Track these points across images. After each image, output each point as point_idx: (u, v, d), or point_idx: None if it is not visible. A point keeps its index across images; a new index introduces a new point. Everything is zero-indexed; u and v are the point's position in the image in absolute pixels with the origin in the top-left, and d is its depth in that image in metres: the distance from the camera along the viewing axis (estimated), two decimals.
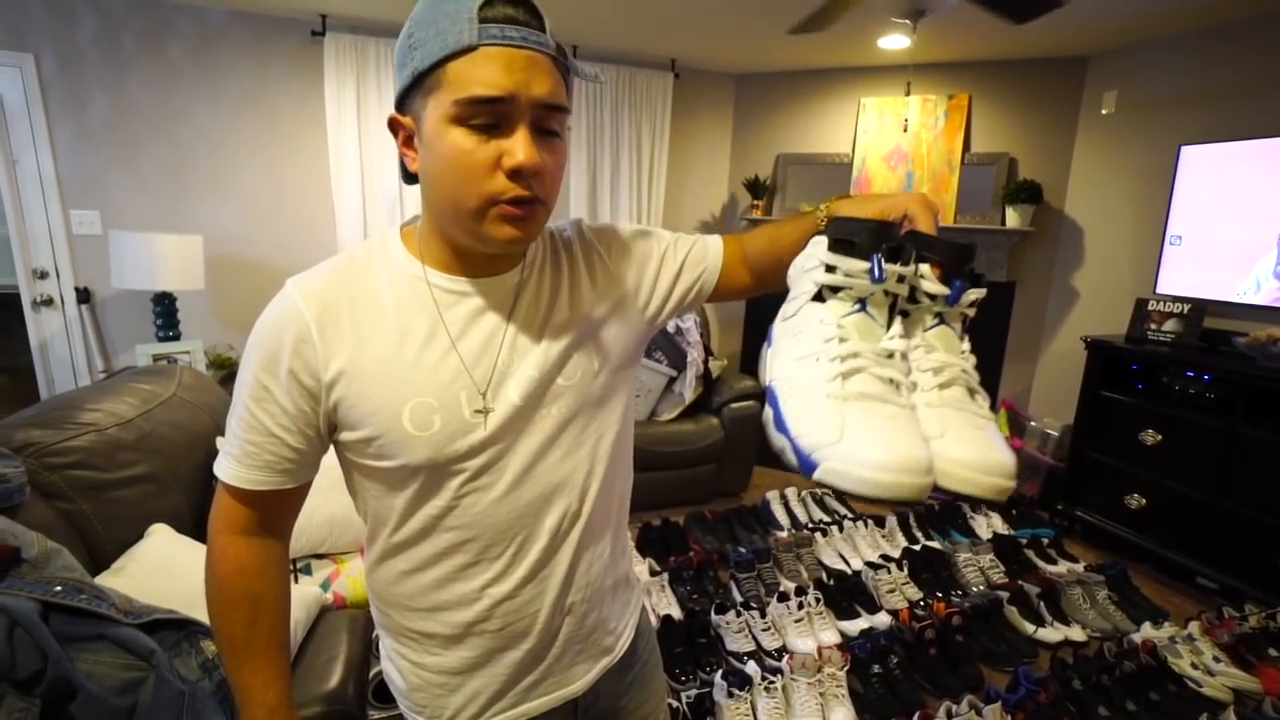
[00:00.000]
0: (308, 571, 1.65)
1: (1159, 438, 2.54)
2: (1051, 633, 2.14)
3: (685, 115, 3.87)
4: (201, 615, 1.04)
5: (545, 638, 0.73)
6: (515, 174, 0.58)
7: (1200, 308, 2.63)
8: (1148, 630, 2.13)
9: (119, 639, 0.96)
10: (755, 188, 3.76)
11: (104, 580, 1.17)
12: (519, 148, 0.57)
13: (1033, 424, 3.25)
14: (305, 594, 1.42)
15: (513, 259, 0.70)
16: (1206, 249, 2.66)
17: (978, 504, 0.58)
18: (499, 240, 0.61)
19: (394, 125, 0.64)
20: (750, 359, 3.98)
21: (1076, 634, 2.15)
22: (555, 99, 0.59)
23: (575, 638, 0.75)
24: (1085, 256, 3.29)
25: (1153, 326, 2.74)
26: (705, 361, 3.18)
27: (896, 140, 3.53)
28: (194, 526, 1.48)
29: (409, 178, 0.65)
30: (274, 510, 0.69)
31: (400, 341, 0.64)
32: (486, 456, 0.66)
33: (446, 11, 0.57)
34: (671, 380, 3.15)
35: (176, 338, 2.92)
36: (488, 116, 0.57)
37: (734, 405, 3.12)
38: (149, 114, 2.96)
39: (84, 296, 2.97)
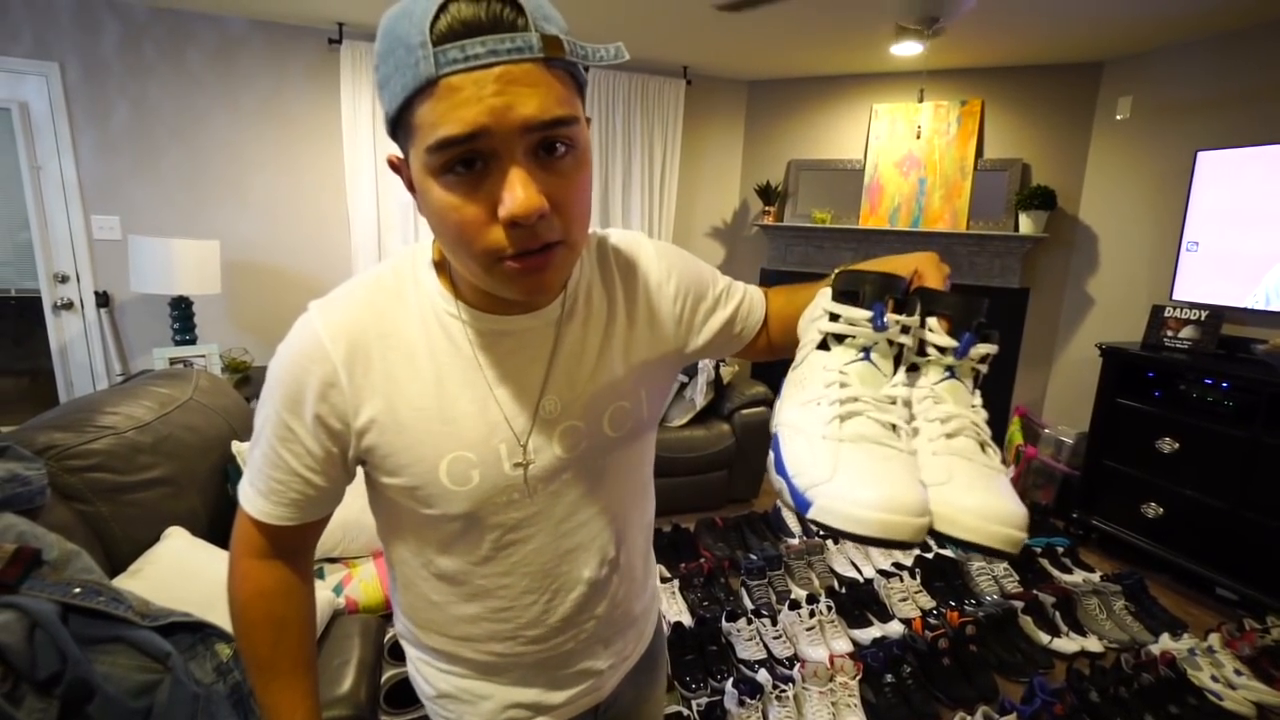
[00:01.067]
0: (320, 575, 1.66)
1: (1176, 446, 2.51)
2: (1067, 643, 2.11)
3: (697, 121, 3.88)
4: (216, 618, 1.05)
5: (580, 665, 0.73)
6: (513, 225, 0.49)
7: (1218, 314, 2.60)
8: (1166, 642, 2.10)
9: (136, 641, 0.97)
10: (767, 194, 3.75)
11: (121, 582, 1.18)
12: (510, 194, 0.47)
13: (1047, 431, 3.22)
14: (318, 598, 1.43)
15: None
16: (1224, 255, 2.62)
17: (989, 556, 0.56)
18: (517, 294, 0.54)
19: (394, 167, 0.56)
20: (760, 364, 3.97)
21: (1093, 645, 2.12)
22: (549, 114, 0.47)
23: (611, 663, 0.76)
24: (1100, 263, 3.26)
25: (1169, 333, 2.70)
26: (716, 367, 3.17)
27: (909, 146, 3.52)
28: (209, 529, 1.49)
29: None
30: (298, 538, 0.67)
31: (435, 390, 0.60)
32: (525, 512, 0.63)
33: (400, 37, 0.46)
34: (683, 386, 3.15)
35: (193, 341, 2.96)
36: (466, 158, 0.47)
37: (745, 411, 3.11)
38: (169, 121, 3.01)
39: (103, 300, 3.01)
